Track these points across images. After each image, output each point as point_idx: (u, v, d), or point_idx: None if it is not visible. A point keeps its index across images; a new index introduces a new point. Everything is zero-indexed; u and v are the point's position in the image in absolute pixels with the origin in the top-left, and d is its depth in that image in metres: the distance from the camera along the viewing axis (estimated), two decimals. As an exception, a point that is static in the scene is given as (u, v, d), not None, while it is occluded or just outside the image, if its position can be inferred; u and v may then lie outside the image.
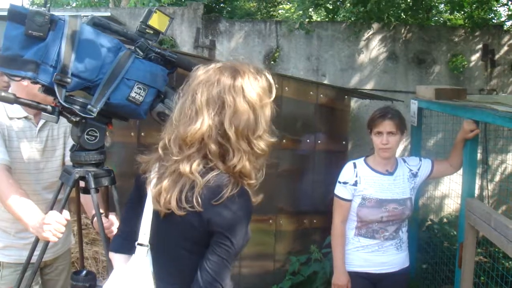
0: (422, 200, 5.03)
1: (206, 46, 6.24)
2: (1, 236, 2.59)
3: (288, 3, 9.97)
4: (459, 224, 3.18)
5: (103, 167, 2.24)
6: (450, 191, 4.84)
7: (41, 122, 2.55)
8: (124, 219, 1.95)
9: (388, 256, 3.05)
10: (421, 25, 6.48)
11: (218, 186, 1.58)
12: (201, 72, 1.66)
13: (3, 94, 2.03)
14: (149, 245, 1.79)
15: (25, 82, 2.27)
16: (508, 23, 7.52)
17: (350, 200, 3.04)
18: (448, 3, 7.01)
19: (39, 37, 1.91)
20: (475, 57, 6.34)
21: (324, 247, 4.22)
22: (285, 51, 6.25)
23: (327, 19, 7.55)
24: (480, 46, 6.32)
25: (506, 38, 6.38)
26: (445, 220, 5.51)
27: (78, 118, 2.08)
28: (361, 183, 3.02)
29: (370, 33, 6.23)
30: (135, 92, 2.04)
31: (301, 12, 5.91)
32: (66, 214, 2.13)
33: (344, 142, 4.67)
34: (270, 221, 4.41)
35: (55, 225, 2.04)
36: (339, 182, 3.08)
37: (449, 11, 7.53)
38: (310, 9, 6.08)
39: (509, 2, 7.41)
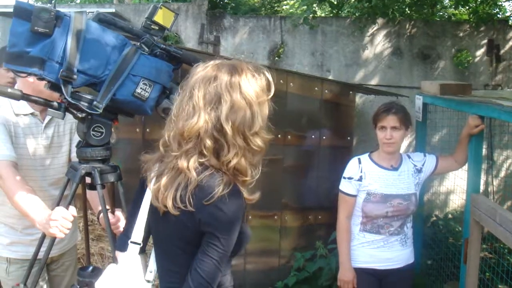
0: (427, 196, 5.02)
1: (211, 42, 6.24)
2: (8, 232, 2.60)
3: (292, -1, 9.97)
4: (464, 219, 3.17)
5: (109, 163, 2.24)
6: (455, 186, 4.83)
7: (47, 118, 2.56)
8: (129, 218, 1.96)
9: (393, 252, 3.06)
10: (426, 20, 6.46)
11: (209, 186, 1.57)
12: (199, 69, 1.67)
13: (9, 90, 2.04)
14: (141, 243, 1.81)
15: (31, 79, 2.27)
16: (514, 18, 7.47)
17: (355, 196, 3.04)
18: (453, -2, 6.98)
19: (45, 34, 1.91)
20: (480, 52, 6.31)
21: (329, 243, 4.22)
22: (289, 46, 6.24)
23: (331, 15, 7.53)
24: (485, 41, 6.29)
25: (511, 33, 6.35)
26: (450, 215, 5.51)
27: (84, 114, 2.08)
28: (366, 178, 3.02)
29: (375, 28, 6.21)
30: (140, 88, 2.05)
31: (305, 7, 5.90)
32: (72, 210, 2.14)
33: (349, 138, 4.67)
34: (275, 217, 4.42)
35: (61, 221, 2.04)
36: (344, 178, 3.08)
37: (454, 6, 7.48)
38: (314, 5, 6.05)
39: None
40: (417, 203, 3.10)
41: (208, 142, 1.59)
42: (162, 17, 2.15)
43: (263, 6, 9.65)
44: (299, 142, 4.44)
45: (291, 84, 4.35)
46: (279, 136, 4.25)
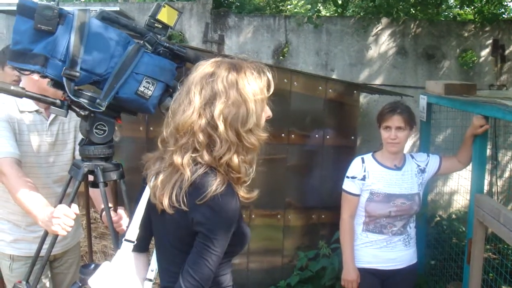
0: (430, 196, 5.00)
1: (215, 41, 6.24)
2: (12, 229, 2.61)
3: (297, -2, 9.96)
4: (468, 220, 3.16)
5: (112, 161, 2.25)
6: (459, 186, 4.82)
7: (52, 116, 2.56)
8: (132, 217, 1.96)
9: (396, 252, 3.05)
10: (430, 20, 6.44)
11: (203, 185, 1.56)
12: (200, 66, 1.67)
13: (12, 88, 2.05)
14: (135, 241, 1.81)
15: (36, 77, 2.28)
16: (519, 18, 7.45)
17: (358, 195, 3.04)
18: (457, -2, 6.96)
19: (48, 31, 1.92)
20: (485, 52, 6.29)
21: (332, 242, 4.22)
22: (294, 46, 6.23)
23: (336, 14, 7.52)
24: (490, 41, 6.28)
25: (516, 33, 6.33)
26: (454, 216, 5.49)
27: (87, 112, 2.09)
28: (369, 178, 3.01)
29: (379, 28, 6.19)
30: (143, 87, 2.04)
31: (309, 6, 5.89)
32: (75, 207, 2.13)
33: (353, 138, 4.65)
34: (278, 216, 4.41)
35: (64, 218, 2.05)
36: (347, 177, 3.08)
37: (458, 6, 7.46)
38: (319, 4, 6.04)
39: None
40: (420, 203, 3.10)
41: (201, 137, 1.57)
42: (166, 15, 2.15)
43: (268, 5, 9.64)
44: (302, 141, 4.44)
45: (295, 83, 4.34)
46: (282, 135, 4.25)
